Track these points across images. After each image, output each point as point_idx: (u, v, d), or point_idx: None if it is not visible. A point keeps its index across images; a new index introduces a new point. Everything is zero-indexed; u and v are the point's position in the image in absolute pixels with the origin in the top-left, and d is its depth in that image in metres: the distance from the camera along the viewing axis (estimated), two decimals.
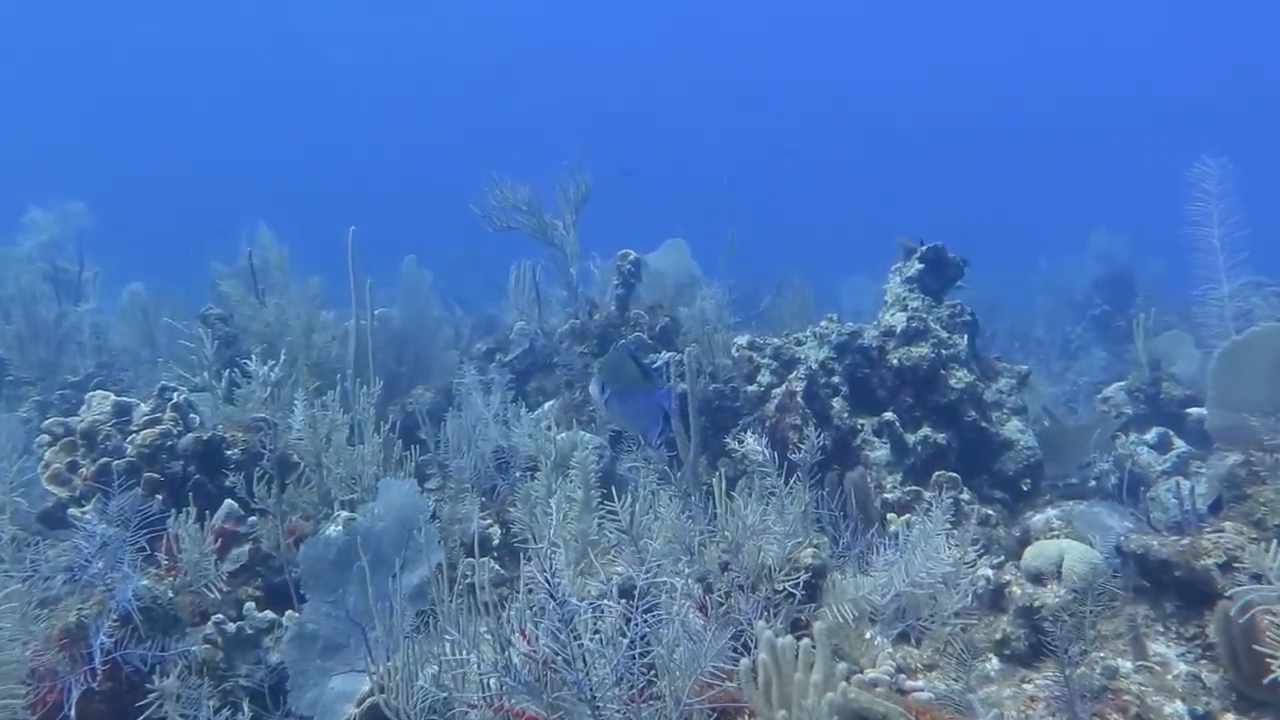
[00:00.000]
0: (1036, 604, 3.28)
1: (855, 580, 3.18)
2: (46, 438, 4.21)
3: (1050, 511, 3.79)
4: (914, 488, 4.52)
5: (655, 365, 5.76)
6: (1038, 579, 3.34)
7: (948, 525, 4.43)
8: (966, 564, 3.54)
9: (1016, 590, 3.38)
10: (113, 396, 4.26)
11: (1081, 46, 45.93)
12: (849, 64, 48.32)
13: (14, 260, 7.94)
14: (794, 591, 2.89)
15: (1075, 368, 9.61)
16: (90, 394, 4.30)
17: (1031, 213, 31.74)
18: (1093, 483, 5.10)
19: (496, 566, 4.13)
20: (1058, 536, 3.68)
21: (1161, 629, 3.09)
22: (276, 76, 50.05)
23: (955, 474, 4.45)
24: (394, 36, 52.52)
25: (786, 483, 3.92)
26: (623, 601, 2.22)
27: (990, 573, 3.58)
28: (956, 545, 3.43)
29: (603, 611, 2.34)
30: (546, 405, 6.27)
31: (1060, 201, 33.40)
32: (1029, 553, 3.43)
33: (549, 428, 5.90)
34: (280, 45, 51.03)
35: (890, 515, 4.32)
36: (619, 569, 3.66)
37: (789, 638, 2.24)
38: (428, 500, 3.42)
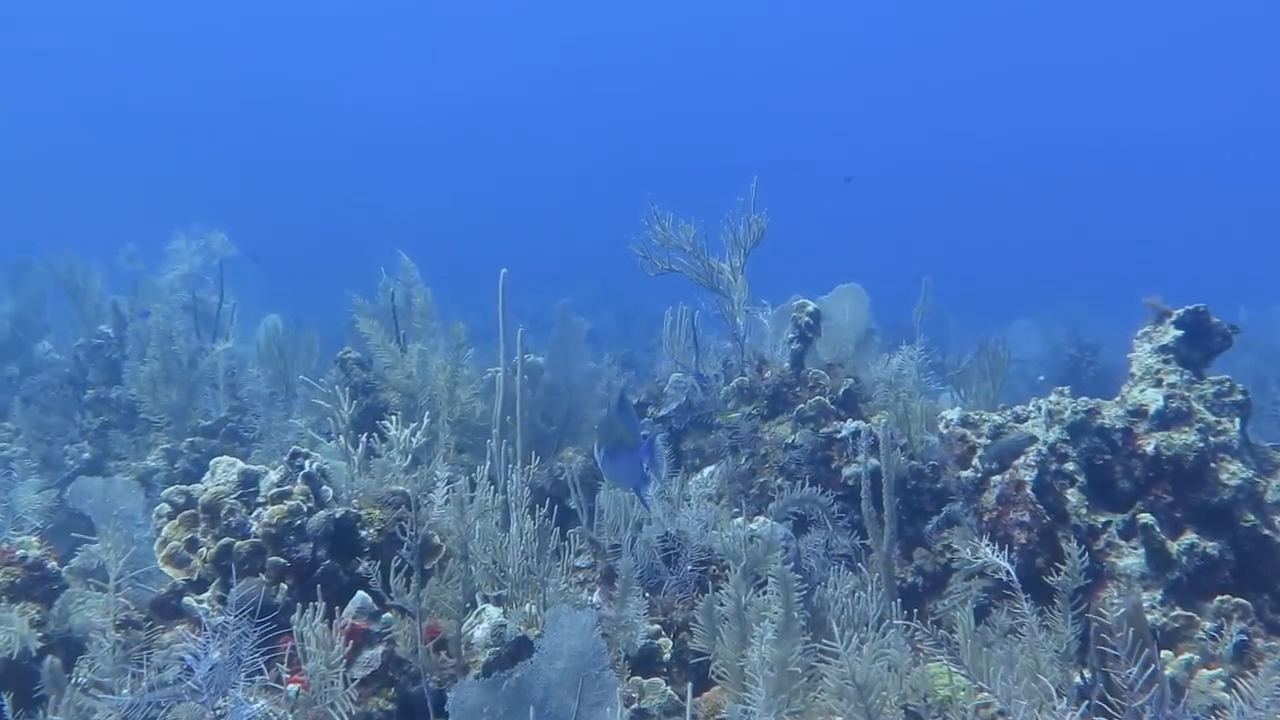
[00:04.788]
0: None
1: None
2: (166, 507, 3.73)
3: None
4: (1183, 612, 3.63)
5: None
6: None
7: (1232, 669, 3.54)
8: None
9: None
10: (239, 464, 3.76)
11: None
12: (1021, 92, 45.97)
13: (156, 291, 7.73)
14: None
15: None
16: (215, 460, 3.81)
17: (1227, 257, 29.06)
18: None
19: (668, 689, 3.43)
20: None
21: None
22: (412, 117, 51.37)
23: (1244, 600, 3.54)
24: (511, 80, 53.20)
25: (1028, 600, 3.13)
26: None
27: None
28: None
29: None
30: (706, 471, 5.57)
31: (1262, 247, 30.55)
32: None
33: (710, 498, 5.22)
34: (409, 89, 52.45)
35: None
36: None
37: None
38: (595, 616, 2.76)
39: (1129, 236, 34.98)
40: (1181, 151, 42.88)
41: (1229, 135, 42.45)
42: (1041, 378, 11.35)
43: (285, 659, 3.18)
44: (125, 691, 2.94)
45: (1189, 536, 3.83)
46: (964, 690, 3.34)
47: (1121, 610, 3.13)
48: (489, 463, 3.88)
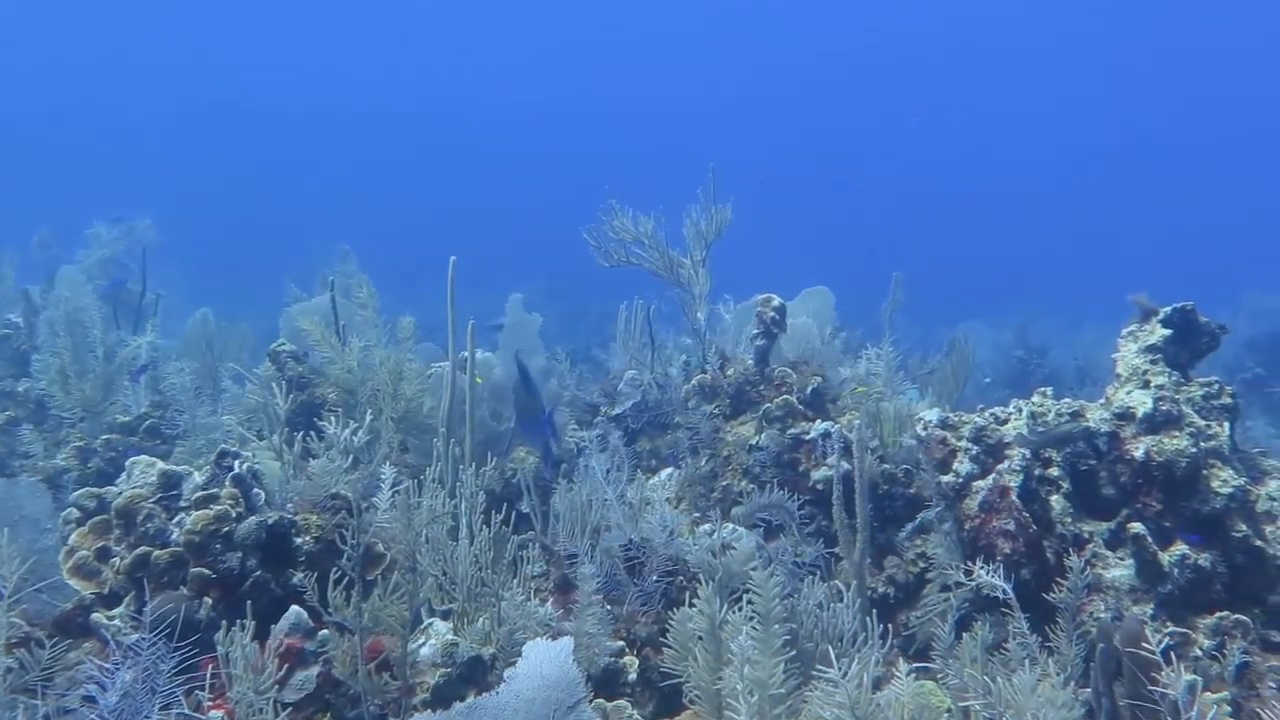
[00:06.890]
0: None
1: None
2: (75, 512, 3.33)
3: None
4: (1177, 629, 3.44)
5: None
6: None
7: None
8: None
9: None
10: (160, 464, 3.38)
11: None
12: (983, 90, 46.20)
13: (71, 280, 7.21)
14: None
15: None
16: (133, 460, 3.42)
17: (1176, 260, 29.35)
18: None
19: (634, 713, 3.14)
20: None
21: None
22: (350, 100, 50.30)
23: (1243, 616, 3.37)
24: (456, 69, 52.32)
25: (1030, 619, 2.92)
26: None
27: None
28: None
29: None
30: (664, 474, 5.29)
31: (1205, 253, 30.95)
32: None
33: (668, 501, 4.95)
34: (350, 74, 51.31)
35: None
36: None
37: None
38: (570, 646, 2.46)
39: (1073, 239, 35.51)
40: (1127, 153, 43.81)
41: (1174, 137, 43.43)
42: (988, 379, 11.29)
43: (207, 684, 2.82)
44: None
45: (1180, 547, 3.65)
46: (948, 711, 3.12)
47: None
48: (437, 464, 3.53)
